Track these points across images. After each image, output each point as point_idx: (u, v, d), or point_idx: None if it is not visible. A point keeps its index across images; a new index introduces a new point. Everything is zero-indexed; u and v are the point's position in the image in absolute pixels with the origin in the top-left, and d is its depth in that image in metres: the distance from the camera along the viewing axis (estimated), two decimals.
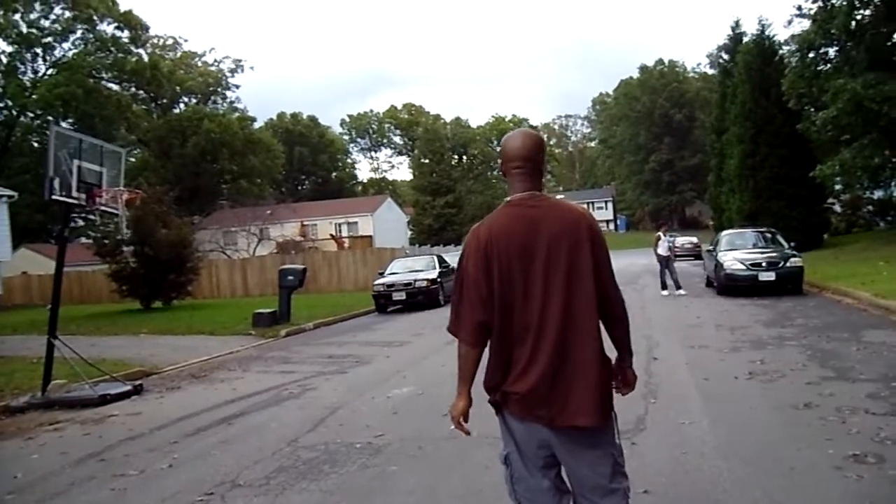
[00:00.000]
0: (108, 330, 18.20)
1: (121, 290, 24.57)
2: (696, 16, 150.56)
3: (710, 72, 76.19)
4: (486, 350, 2.78)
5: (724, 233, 20.32)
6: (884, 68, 22.52)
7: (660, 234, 19.66)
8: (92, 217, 23.85)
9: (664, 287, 18.81)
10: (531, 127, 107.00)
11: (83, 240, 26.91)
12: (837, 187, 30.31)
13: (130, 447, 6.73)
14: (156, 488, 5.34)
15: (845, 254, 24.27)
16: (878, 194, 32.14)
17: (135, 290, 24.48)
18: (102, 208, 9.59)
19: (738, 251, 17.48)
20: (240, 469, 5.64)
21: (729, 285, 16.74)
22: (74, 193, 8.98)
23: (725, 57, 43.81)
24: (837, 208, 37.28)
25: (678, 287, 18.47)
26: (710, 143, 44.24)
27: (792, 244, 18.12)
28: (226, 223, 48.73)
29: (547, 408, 2.66)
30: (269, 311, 17.18)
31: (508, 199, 2.82)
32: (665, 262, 19.05)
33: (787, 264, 16.72)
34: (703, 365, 8.57)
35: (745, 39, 38.18)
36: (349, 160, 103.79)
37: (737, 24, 42.99)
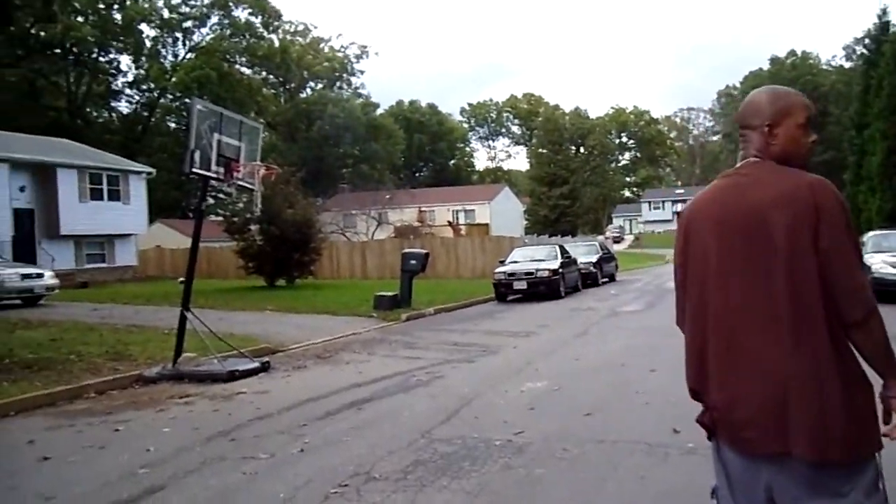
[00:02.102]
0: (235, 305, 18.56)
1: (247, 266, 25.15)
2: (832, 6, 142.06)
3: (847, 64, 71.58)
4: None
5: (871, 234, 18.71)
6: None
7: None
8: (222, 196, 24.49)
9: None
10: (652, 120, 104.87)
11: (212, 217, 27.69)
12: None
13: (260, 427, 6.55)
14: (287, 475, 5.09)
15: None
16: None
17: (260, 268, 25.00)
18: (239, 182, 9.57)
19: (886, 254, 15.99)
20: (374, 459, 5.31)
21: (879, 290, 15.33)
22: (213, 167, 8.97)
23: (869, 46, 40.68)
24: None
25: None
26: (849, 140, 41.33)
27: None
28: (346, 206, 49.47)
29: (752, 428, 2.08)
30: (390, 294, 17.06)
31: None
32: None
33: None
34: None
35: (892, 28, 35.33)
36: (467, 148, 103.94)
37: (884, 11, 39.80)
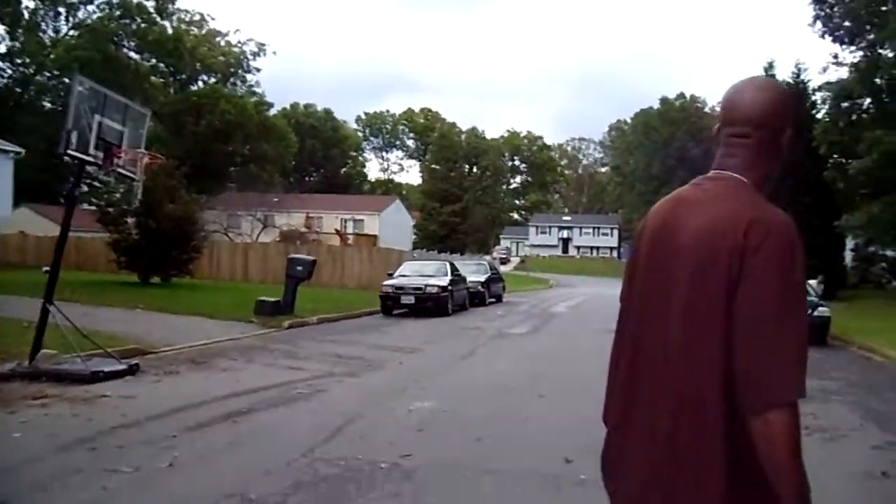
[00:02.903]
0: (103, 300, 17.38)
1: (119, 260, 23.77)
2: (722, 54, 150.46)
3: None
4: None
5: None
6: None
7: None
8: (98, 184, 23.13)
9: None
10: (544, 146, 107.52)
11: (85, 206, 26.14)
12: (857, 240, 29.73)
13: (124, 436, 6.00)
14: (154, 493, 4.63)
15: (862, 309, 23.58)
16: (894, 253, 31.55)
17: (134, 263, 23.69)
18: (119, 170, 8.90)
19: None
20: (250, 479, 4.92)
21: None
22: (91, 150, 8.28)
23: None
24: (849, 262, 36.67)
25: None
26: None
27: (817, 293, 17.48)
28: (232, 206, 48.05)
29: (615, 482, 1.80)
30: (272, 299, 16.46)
31: None
32: None
33: (814, 314, 16.06)
34: None
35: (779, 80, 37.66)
36: (360, 158, 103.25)
37: (770, 65, 42.26)
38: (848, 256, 35.37)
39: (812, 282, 20.80)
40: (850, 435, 7.05)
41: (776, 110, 1.78)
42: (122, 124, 8.85)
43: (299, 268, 17.07)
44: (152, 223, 22.69)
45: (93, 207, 24.89)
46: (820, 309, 16.40)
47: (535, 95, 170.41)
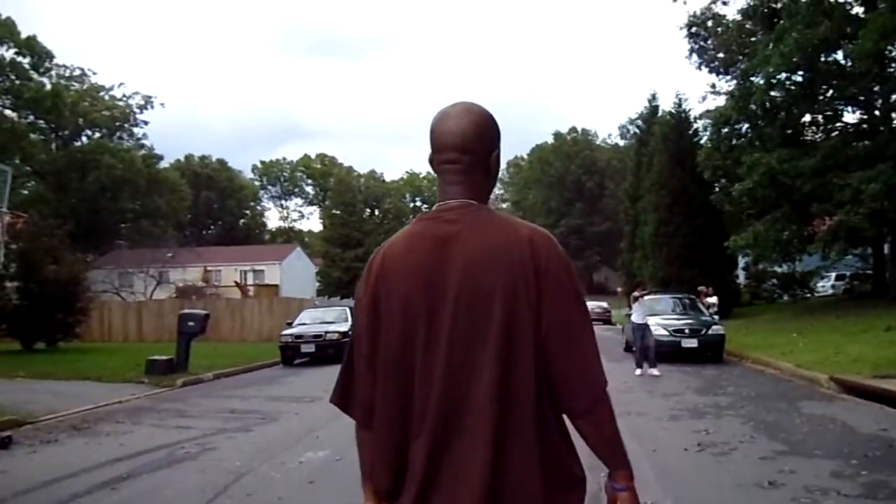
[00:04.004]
0: None
1: None
2: (608, 89, 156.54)
3: (621, 143, 78.69)
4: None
5: (645, 298, 20.12)
6: (796, 145, 23.36)
7: (638, 294, 15.96)
8: None
9: (639, 365, 14.69)
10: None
11: None
12: (747, 259, 31.05)
13: None
14: None
15: (755, 324, 24.58)
16: (781, 268, 33.14)
17: (16, 330, 22.39)
18: None
19: (659, 316, 17.11)
20: None
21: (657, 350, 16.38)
22: None
23: (641, 127, 45.18)
24: (741, 280, 38.30)
25: (653, 365, 14.43)
26: (624, 211, 45.19)
27: (712, 311, 18.09)
28: (123, 264, 46.22)
29: None
30: (164, 358, 15.80)
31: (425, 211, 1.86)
32: (642, 333, 14.75)
33: (710, 332, 16.62)
34: (647, 434, 7.94)
35: (661, 112, 39.42)
36: (258, 207, 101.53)
37: (653, 96, 44.49)
38: (741, 275, 36.93)
39: (710, 299, 21.58)
40: (739, 447, 7.20)
41: (480, 134, 1.79)
42: None
43: (191, 323, 16.48)
44: (33, 286, 21.59)
45: None
46: (714, 328, 17.00)
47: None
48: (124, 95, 61.38)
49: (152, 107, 61.87)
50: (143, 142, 62.38)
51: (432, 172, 1.87)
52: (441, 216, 1.75)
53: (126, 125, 61.45)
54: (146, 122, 62.05)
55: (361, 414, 1.79)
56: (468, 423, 1.63)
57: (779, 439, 7.54)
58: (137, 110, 61.44)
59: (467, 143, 1.77)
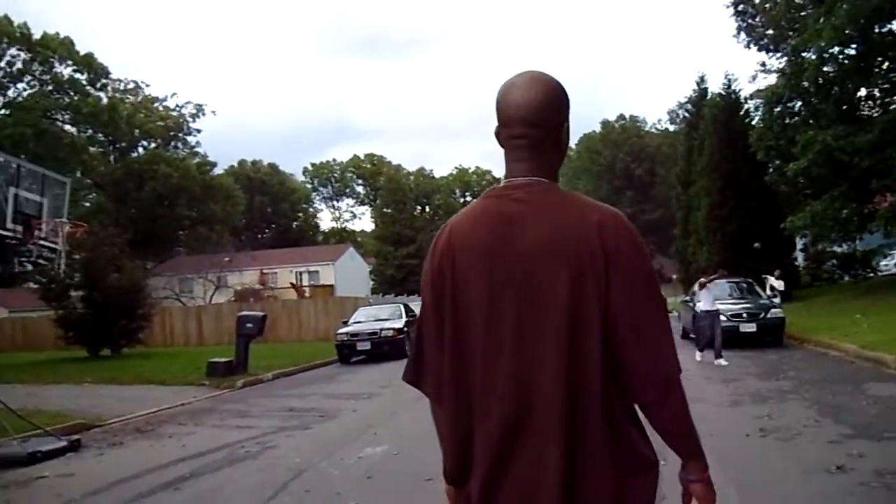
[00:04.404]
0: (49, 378, 16.90)
1: (67, 336, 23.18)
2: (656, 75, 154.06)
3: (671, 128, 77.29)
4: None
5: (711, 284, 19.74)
6: (851, 121, 22.58)
7: (705, 280, 14.71)
8: (42, 261, 22.57)
9: (701, 350, 13.97)
10: (494, 179, 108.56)
11: (32, 284, 25.46)
12: (806, 240, 30.22)
13: None
14: None
15: (816, 306, 23.94)
16: (841, 248, 32.23)
17: (82, 337, 23.10)
18: (41, 242, 8.62)
19: (717, 301, 16.76)
20: None
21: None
22: (9, 224, 8.01)
23: (690, 111, 44.31)
24: (800, 262, 37.35)
25: (719, 354, 13.53)
26: (676, 197, 44.44)
27: (771, 295, 17.62)
28: (182, 270, 47.35)
29: None
30: (224, 360, 16.11)
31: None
32: (711, 321, 13.88)
33: (769, 315, 16.20)
34: (707, 420, 7.77)
35: (710, 94, 38.60)
36: (311, 209, 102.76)
37: (702, 79, 43.52)
38: (800, 257, 36.04)
39: (775, 282, 21.06)
40: (803, 432, 7.01)
41: (549, 105, 1.72)
42: (41, 194, 8.61)
43: (249, 325, 16.76)
44: (97, 295, 22.20)
45: (37, 285, 24.22)
46: (773, 311, 16.57)
47: (480, 133, 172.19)
48: (177, 105, 62.79)
49: (204, 115, 63.12)
50: (197, 150, 63.68)
51: (482, 166, 1.83)
52: (509, 194, 1.69)
53: (180, 134, 62.82)
54: (199, 131, 63.41)
55: (433, 390, 1.77)
56: (536, 409, 1.58)
57: (845, 423, 7.31)
58: (190, 119, 62.79)
59: (535, 115, 1.69)
